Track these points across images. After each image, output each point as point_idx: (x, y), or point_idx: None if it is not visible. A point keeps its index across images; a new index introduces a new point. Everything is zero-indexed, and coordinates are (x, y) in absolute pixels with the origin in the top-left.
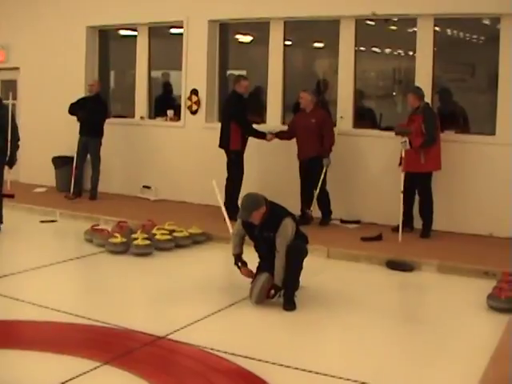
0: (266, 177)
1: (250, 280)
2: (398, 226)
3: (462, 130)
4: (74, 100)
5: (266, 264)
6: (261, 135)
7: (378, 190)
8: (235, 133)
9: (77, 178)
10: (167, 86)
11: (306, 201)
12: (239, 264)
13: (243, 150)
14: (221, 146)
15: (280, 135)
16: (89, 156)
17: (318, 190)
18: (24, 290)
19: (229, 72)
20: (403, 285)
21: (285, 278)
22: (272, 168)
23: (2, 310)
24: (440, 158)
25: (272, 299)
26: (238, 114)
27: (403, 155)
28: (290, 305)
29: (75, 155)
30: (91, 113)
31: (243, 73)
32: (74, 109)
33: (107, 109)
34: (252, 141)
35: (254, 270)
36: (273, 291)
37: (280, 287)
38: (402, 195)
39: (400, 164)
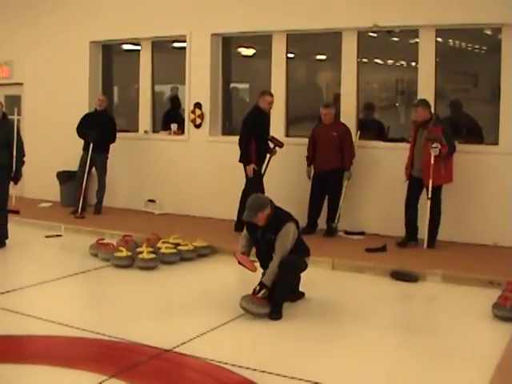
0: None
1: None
2: (403, 240)
3: (476, 141)
4: (76, 114)
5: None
6: (248, 160)
7: (382, 202)
8: (254, 147)
9: (85, 196)
10: (175, 101)
11: (329, 213)
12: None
13: (261, 165)
14: (240, 160)
15: (309, 160)
16: (94, 170)
17: (341, 202)
18: (30, 304)
19: (232, 85)
20: (408, 295)
21: (275, 287)
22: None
23: (9, 324)
24: (452, 170)
25: (257, 295)
26: (248, 128)
27: (432, 162)
28: (276, 313)
29: (81, 173)
30: (102, 131)
31: (246, 86)
32: (83, 131)
33: (115, 124)
34: None
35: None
36: (258, 287)
37: (266, 286)
38: (428, 202)
39: (409, 174)
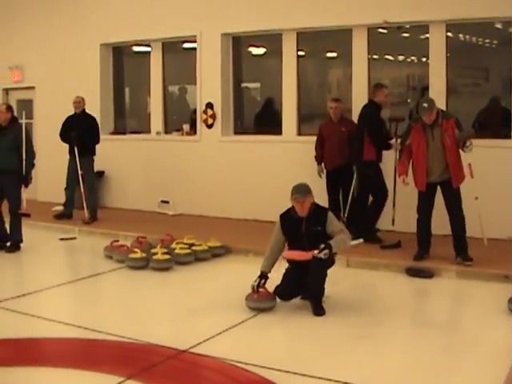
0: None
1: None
2: (420, 254)
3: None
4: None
5: (296, 272)
6: (388, 147)
7: (395, 198)
8: (368, 143)
9: (68, 199)
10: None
11: (337, 209)
12: (260, 285)
13: (378, 161)
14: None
15: (318, 159)
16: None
17: (350, 197)
18: (46, 307)
19: (243, 85)
20: (423, 291)
21: (310, 286)
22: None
23: (25, 327)
24: None
25: (319, 254)
26: (369, 125)
27: (463, 162)
28: (319, 310)
29: (69, 178)
30: (81, 132)
31: (257, 85)
32: (64, 133)
33: (97, 125)
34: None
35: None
36: (323, 245)
37: (331, 247)
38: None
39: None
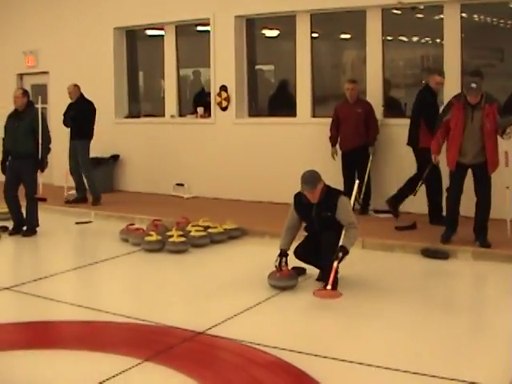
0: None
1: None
2: (447, 235)
3: None
4: (102, 101)
5: (312, 245)
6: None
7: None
8: (424, 129)
9: (77, 183)
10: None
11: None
12: (282, 263)
13: None
14: (409, 143)
15: (333, 140)
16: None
17: (366, 178)
18: (63, 290)
19: (257, 67)
20: (439, 273)
21: (324, 261)
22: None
23: (42, 311)
24: None
25: (337, 260)
26: (423, 111)
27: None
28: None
29: (70, 162)
30: (76, 115)
31: (271, 68)
32: (66, 119)
33: (89, 109)
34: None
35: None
36: (341, 254)
37: (347, 250)
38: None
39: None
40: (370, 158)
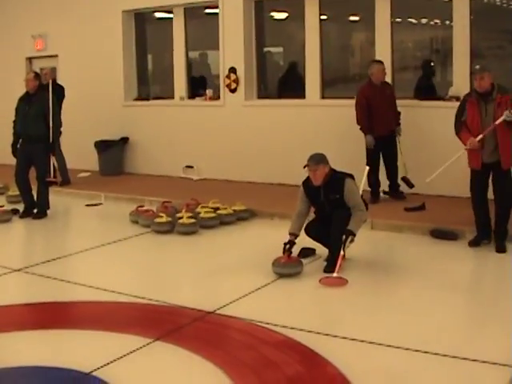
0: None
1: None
2: (476, 239)
3: None
4: (111, 84)
5: (323, 225)
6: None
7: (416, 161)
8: None
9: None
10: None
11: (395, 171)
12: (287, 248)
13: None
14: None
15: (368, 129)
16: None
17: (399, 156)
18: (75, 272)
19: (266, 49)
20: (448, 254)
21: (333, 236)
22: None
23: (55, 292)
24: None
25: (345, 243)
26: None
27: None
28: (330, 267)
29: None
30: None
31: (279, 50)
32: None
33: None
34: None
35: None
36: (346, 238)
37: (354, 233)
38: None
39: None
40: (399, 138)
